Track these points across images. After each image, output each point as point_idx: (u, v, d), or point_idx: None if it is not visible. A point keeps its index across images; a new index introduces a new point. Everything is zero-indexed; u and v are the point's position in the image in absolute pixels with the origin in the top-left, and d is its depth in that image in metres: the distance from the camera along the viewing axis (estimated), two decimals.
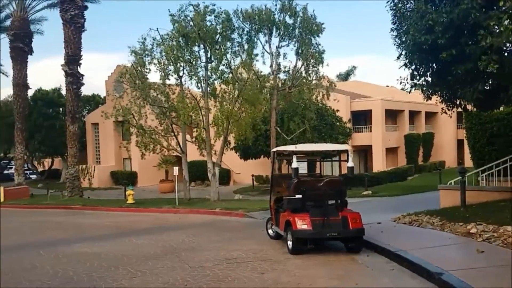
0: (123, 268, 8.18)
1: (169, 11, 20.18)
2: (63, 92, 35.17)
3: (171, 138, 21.81)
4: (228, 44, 20.55)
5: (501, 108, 13.42)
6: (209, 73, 20.46)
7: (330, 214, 8.72)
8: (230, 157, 27.31)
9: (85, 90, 43.99)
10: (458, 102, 11.67)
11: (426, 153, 39.62)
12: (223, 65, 20.22)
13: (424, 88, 11.41)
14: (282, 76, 22.75)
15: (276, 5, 21.35)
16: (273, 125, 21.99)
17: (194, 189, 28.43)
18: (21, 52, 31.05)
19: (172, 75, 20.66)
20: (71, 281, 7.43)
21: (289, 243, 8.80)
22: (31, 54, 32.14)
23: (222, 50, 20.03)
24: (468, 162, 25.42)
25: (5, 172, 46.54)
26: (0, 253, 9.82)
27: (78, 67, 26.92)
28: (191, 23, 19.91)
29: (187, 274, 7.51)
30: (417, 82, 11.24)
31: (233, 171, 34.20)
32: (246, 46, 21.03)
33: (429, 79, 11.15)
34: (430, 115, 41.15)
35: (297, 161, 9.12)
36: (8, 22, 33.14)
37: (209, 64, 20.37)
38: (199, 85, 20.83)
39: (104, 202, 23.20)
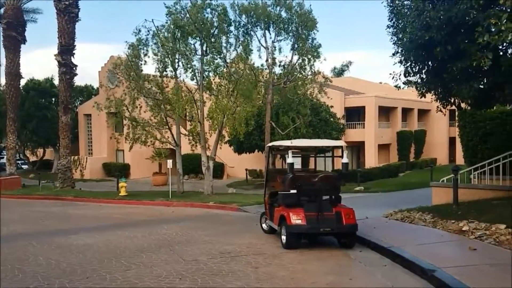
0: (117, 260, 8.17)
1: (165, 4, 20.05)
2: (56, 82, 34.87)
3: (165, 130, 21.74)
4: (224, 37, 20.45)
5: (494, 108, 13.53)
6: (204, 66, 20.38)
7: (324, 210, 8.76)
8: (224, 151, 27.25)
9: (78, 80, 43.75)
10: (452, 100, 11.74)
11: (418, 150, 39.89)
12: (219, 58, 20.13)
13: (419, 86, 11.47)
14: (277, 70, 22.74)
15: None
16: (268, 119, 21.97)
17: (188, 182, 28.38)
18: (14, 41, 30.72)
19: (168, 67, 20.56)
20: (64, 273, 7.40)
21: (283, 237, 8.84)
22: (24, 43, 31.85)
23: (218, 43, 19.92)
24: (460, 159, 25.63)
25: None
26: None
27: (72, 57, 26.67)
28: (187, 15, 19.80)
29: (181, 267, 7.52)
30: (411, 79, 11.28)
31: (226, 165, 34.19)
32: (242, 40, 20.95)
33: (424, 76, 11.18)
34: (422, 113, 41.38)
35: (292, 157, 9.14)
36: (1, 11, 32.77)
37: (205, 57, 20.28)
38: (194, 78, 20.76)
39: (96, 193, 23.11)
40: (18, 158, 41.04)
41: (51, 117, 37.28)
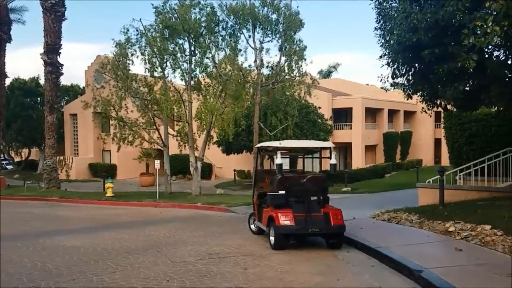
0: (103, 262, 8.07)
1: (153, 5, 19.95)
2: (42, 81, 34.55)
3: (153, 131, 21.62)
4: (212, 37, 20.41)
5: (480, 110, 13.71)
6: (192, 66, 20.32)
7: (313, 210, 8.78)
8: (212, 151, 27.25)
9: (64, 80, 43.16)
10: (438, 102, 11.87)
11: (404, 151, 40.26)
12: (207, 58, 20.10)
13: (405, 87, 11.57)
14: (265, 71, 22.76)
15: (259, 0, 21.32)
16: (256, 120, 21.98)
17: (175, 183, 28.26)
18: None
19: (157, 68, 20.46)
20: (50, 275, 7.30)
21: (272, 238, 8.84)
22: (9, 42, 31.36)
23: (206, 43, 19.88)
24: (445, 161, 25.97)
25: None
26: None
27: (58, 56, 26.41)
28: (175, 15, 19.72)
29: (169, 269, 7.47)
30: (398, 81, 11.36)
31: (215, 166, 34.12)
32: (229, 40, 20.93)
33: (411, 78, 11.27)
34: (408, 114, 41.79)
35: (281, 157, 9.15)
36: None
37: (193, 57, 20.22)
38: (182, 78, 20.67)
39: (82, 194, 22.86)
40: (3, 158, 40.50)
41: (36, 117, 36.87)
